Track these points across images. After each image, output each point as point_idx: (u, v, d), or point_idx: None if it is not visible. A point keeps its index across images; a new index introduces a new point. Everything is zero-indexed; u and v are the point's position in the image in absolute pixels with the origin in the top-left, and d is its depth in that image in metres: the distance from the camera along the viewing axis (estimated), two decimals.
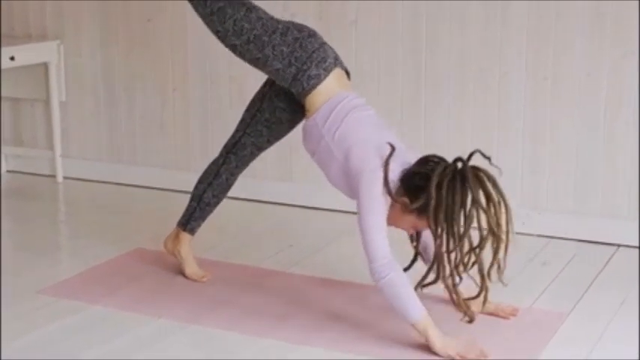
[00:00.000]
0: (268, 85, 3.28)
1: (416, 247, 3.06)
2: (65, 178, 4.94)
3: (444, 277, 2.84)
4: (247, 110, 3.33)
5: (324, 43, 3.14)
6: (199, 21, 4.56)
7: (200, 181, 3.40)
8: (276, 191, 4.44)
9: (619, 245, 3.79)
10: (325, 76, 3.04)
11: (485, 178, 2.78)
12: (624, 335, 2.93)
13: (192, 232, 3.40)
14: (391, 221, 2.89)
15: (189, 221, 3.38)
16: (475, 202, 2.74)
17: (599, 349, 2.83)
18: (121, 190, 4.77)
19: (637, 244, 3.76)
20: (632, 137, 3.75)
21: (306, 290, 3.33)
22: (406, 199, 2.82)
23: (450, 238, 2.78)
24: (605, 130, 3.79)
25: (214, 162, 3.40)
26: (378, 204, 2.81)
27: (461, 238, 2.75)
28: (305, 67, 3.02)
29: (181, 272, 3.42)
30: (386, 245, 2.80)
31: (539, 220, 3.92)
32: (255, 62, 3.13)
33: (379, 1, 4.14)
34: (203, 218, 3.39)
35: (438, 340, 2.74)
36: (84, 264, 3.57)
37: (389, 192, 2.81)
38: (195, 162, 4.72)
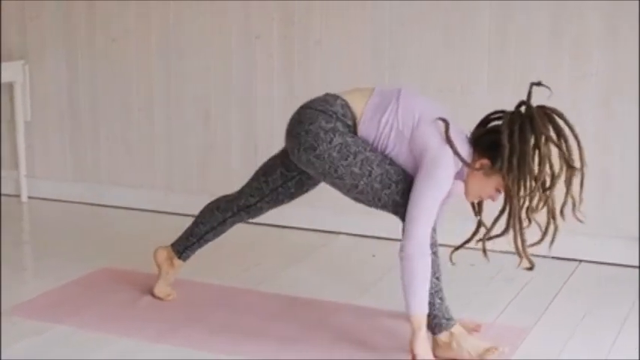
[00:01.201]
0: (288, 159, 3.09)
1: (479, 218, 3.01)
2: (30, 197, 4.92)
3: (514, 224, 2.80)
4: (265, 181, 3.16)
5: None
6: (163, 40, 4.60)
7: (202, 222, 3.32)
8: None
9: (580, 260, 3.85)
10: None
11: (553, 114, 2.78)
12: (585, 349, 2.97)
13: (185, 259, 3.40)
14: (475, 192, 2.85)
15: (186, 251, 3.37)
16: (547, 138, 2.73)
17: None
18: (86, 210, 4.75)
19: (598, 260, 3.82)
20: (592, 153, 3.80)
21: (274, 308, 3.34)
22: (487, 161, 2.78)
23: (524, 183, 2.75)
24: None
25: (220, 210, 3.29)
26: (439, 183, 2.76)
27: (536, 179, 2.73)
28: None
29: (150, 290, 3.42)
30: (429, 229, 2.77)
31: (504, 237, 3.96)
32: None
33: (343, 21, 4.19)
34: (199, 248, 3.40)
35: (423, 342, 2.76)
36: (49, 284, 3.56)
37: (463, 161, 2.76)
38: (160, 181, 4.72)
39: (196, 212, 4.42)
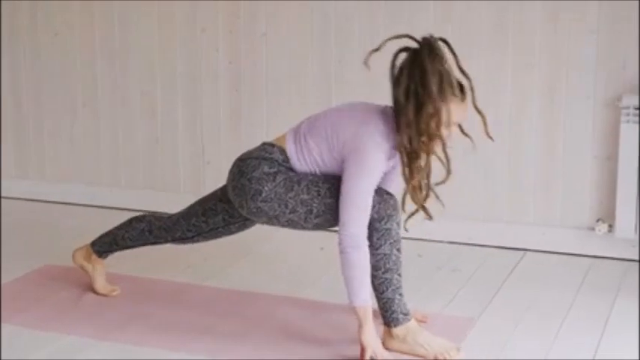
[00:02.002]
0: (231, 207, 3.05)
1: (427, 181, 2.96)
2: None
3: (408, 177, 2.78)
4: (205, 221, 3.11)
5: None
6: (108, 35, 4.55)
7: (130, 238, 3.25)
8: (188, 204, 4.40)
9: (526, 250, 3.89)
10: None
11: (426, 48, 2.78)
12: (532, 337, 2.99)
13: (105, 258, 3.37)
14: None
15: (107, 253, 3.35)
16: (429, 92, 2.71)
17: (509, 350, 2.89)
18: (30, 207, 4.69)
19: (544, 249, 3.86)
20: (535, 145, 3.86)
21: (221, 303, 3.32)
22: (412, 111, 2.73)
23: (412, 135, 2.74)
24: (510, 138, 3.88)
25: (153, 235, 3.21)
26: (365, 171, 2.72)
27: (421, 132, 2.73)
28: None
29: (91, 287, 3.38)
30: (364, 218, 2.74)
31: (449, 227, 3.99)
32: None
33: (288, 14, 4.18)
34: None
35: (371, 333, 2.76)
36: None
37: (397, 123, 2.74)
38: (106, 177, 4.67)
39: (142, 208, 4.43)
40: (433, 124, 2.74)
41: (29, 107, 4.78)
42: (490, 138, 2.87)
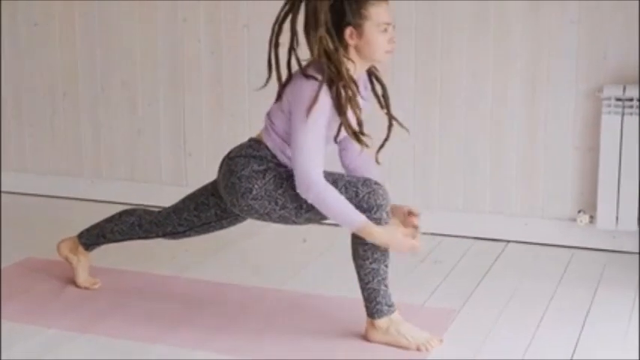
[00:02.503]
0: (223, 202, 3.04)
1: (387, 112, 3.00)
2: None
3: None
4: (197, 215, 3.09)
5: None
6: (88, 25, 4.52)
7: (119, 232, 3.23)
8: (170, 196, 4.38)
9: (508, 241, 3.90)
10: None
11: None
12: (513, 328, 3.00)
13: (91, 250, 3.36)
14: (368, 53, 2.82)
15: (94, 245, 3.33)
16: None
17: (491, 341, 2.90)
18: (10, 199, 4.65)
19: (526, 240, 3.87)
20: (517, 136, 3.86)
21: (200, 295, 3.31)
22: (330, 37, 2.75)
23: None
24: (491, 129, 3.88)
25: (143, 230, 3.19)
26: (310, 119, 2.71)
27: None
28: None
29: (73, 280, 3.36)
30: (318, 169, 2.72)
31: (431, 219, 3.99)
32: None
33: (270, 5, 4.15)
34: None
35: (384, 233, 2.75)
36: None
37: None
38: (87, 169, 4.65)
39: (124, 199, 4.41)
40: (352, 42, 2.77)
41: (9, 98, 4.75)
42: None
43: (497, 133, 3.88)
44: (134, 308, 3.17)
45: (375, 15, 2.78)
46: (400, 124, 2.96)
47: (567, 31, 3.71)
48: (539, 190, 3.86)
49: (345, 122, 2.77)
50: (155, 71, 4.43)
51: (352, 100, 2.77)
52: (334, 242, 3.80)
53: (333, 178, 2.79)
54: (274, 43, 2.86)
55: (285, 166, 2.87)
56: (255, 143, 2.90)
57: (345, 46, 2.79)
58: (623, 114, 3.60)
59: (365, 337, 2.88)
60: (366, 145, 2.84)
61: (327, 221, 2.89)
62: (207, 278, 3.48)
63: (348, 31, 2.77)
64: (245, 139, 2.99)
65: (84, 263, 3.36)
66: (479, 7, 3.82)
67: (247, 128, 4.12)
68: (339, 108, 2.75)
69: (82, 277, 3.35)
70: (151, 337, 2.93)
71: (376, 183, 2.82)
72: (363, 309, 2.88)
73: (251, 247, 3.87)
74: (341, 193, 2.75)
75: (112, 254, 3.58)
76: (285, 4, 2.86)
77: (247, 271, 3.56)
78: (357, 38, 2.78)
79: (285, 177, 2.83)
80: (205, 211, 3.08)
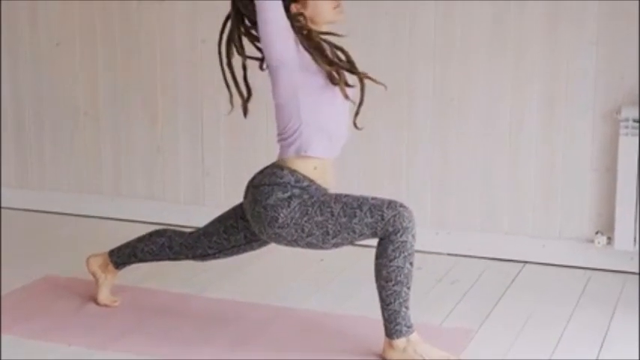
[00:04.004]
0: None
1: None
2: None
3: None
4: (226, 238, 3.13)
5: None
6: (110, 44, 4.57)
7: (150, 252, 3.27)
8: (189, 215, 4.42)
9: (526, 262, 3.90)
10: None
11: None
12: (531, 349, 3.00)
13: (121, 269, 3.38)
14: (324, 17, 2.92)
15: (124, 264, 3.36)
16: None
17: None
18: (31, 217, 4.69)
19: (543, 261, 3.87)
20: (534, 157, 3.87)
21: (219, 313, 3.32)
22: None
23: None
24: (509, 149, 3.89)
25: (173, 251, 3.24)
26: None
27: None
28: None
29: (93, 297, 3.39)
30: None
31: (448, 239, 4.00)
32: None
33: None
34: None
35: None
36: None
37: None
38: (107, 186, 4.69)
39: (143, 218, 4.44)
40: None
41: (30, 117, 4.80)
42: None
43: (514, 153, 3.89)
44: (153, 326, 3.19)
45: None
46: (374, 80, 2.98)
47: (585, 52, 3.72)
48: (556, 211, 3.87)
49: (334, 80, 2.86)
50: (174, 90, 4.47)
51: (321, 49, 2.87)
52: (352, 262, 3.82)
53: (358, 203, 2.82)
54: (227, 63, 2.97)
55: (309, 192, 2.89)
56: (277, 169, 2.92)
57: (298, 21, 2.87)
58: None
59: (382, 357, 2.89)
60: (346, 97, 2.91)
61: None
62: (226, 297, 3.50)
63: (294, 7, 2.87)
64: (263, 159, 3.02)
65: (109, 281, 3.38)
66: (497, 28, 3.84)
67: (265, 149, 4.13)
68: (316, 53, 2.85)
69: (104, 295, 3.38)
70: (170, 354, 2.95)
71: (401, 205, 2.83)
72: (381, 329, 2.89)
73: (269, 266, 3.88)
74: (366, 216, 2.79)
75: (131, 272, 3.60)
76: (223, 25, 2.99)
77: (266, 290, 3.58)
78: (304, 9, 2.88)
79: (310, 204, 2.85)
80: (235, 234, 3.11)
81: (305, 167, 2.91)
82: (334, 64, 2.89)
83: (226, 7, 4.07)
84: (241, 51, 2.96)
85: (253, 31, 2.95)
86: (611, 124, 3.72)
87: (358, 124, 3.00)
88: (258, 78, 3.03)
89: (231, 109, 2.99)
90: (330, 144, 2.95)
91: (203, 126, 4.43)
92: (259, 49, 2.95)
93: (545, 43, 3.78)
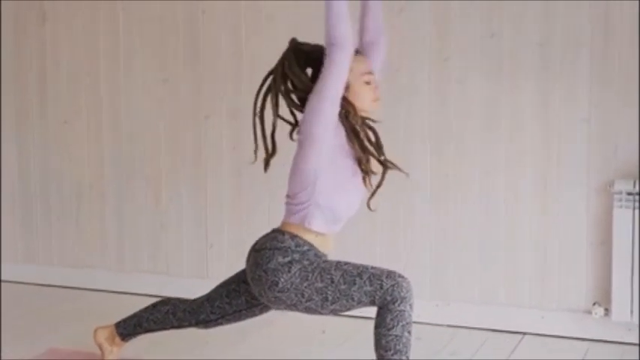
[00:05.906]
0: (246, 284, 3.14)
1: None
2: None
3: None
4: (228, 302, 3.18)
5: None
6: (115, 121, 4.66)
7: (154, 321, 3.32)
8: (193, 288, 4.44)
9: (524, 333, 3.92)
10: None
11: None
12: None
13: (127, 341, 3.42)
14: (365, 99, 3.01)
15: (130, 336, 3.40)
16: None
17: None
18: (36, 291, 4.73)
19: (542, 332, 3.90)
20: (530, 230, 3.92)
21: None
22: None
23: None
24: (505, 223, 3.95)
25: (177, 318, 3.28)
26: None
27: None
28: None
29: None
30: None
31: (447, 311, 4.03)
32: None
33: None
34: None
35: None
36: None
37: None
38: (110, 260, 4.73)
39: (147, 291, 4.48)
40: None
41: (37, 193, 4.86)
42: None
43: (511, 227, 3.94)
44: None
45: (356, 67, 2.95)
46: (398, 168, 3.07)
47: (578, 128, 3.79)
48: (554, 283, 3.90)
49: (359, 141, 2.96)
50: (178, 166, 4.55)
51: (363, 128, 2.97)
52: (353, 334, 3.84)
53: (357, 271, 2.87)
54: (259, 116, 3.03)
55: (309, 257, 2.94)
56: (279, 234, 2.98)
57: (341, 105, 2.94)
58: (634, 208, 3.66)
59: None
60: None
61: (347, 313, 2.94)
62: None
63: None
64: (264, 230, 3.07)
65: (115, 354, 3.41)
66: (491, 104, 3.93)
67: (267, 220, 4.16)
68: (353, 132, 2.95)
69: None
70: None
71: (400, 276, 2.87)
72: None
73: (270, 339, 3.90)
74: (365, 284, 2.83)
75: (134, 344, 3.63)
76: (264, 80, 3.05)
77: None
78: (346, 92, 2.94)
79: (311, 270, 2.90)
80: (236, 298, 3.15)
81: (306, 235, 2.97)
82: (367, 151, 2.97)
83: (226, 85, 4.19)
84: (276, 110, 3.00)
85: (293, 96, 3.01)
86: (605, 196, 3.78)
87: (372, 207, 3.06)
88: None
89: (254, 160, 3.06)
90: (335, 222, 3.01)
91: (207, 198, 4.48)
92: (293, 114, 3.03)
93: (539, 119, 3.85)
